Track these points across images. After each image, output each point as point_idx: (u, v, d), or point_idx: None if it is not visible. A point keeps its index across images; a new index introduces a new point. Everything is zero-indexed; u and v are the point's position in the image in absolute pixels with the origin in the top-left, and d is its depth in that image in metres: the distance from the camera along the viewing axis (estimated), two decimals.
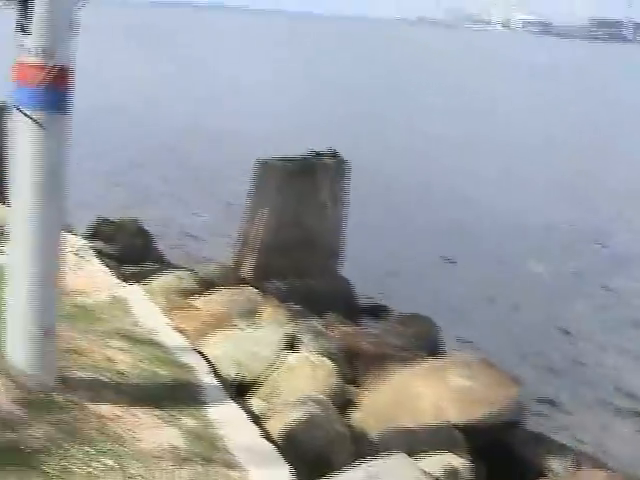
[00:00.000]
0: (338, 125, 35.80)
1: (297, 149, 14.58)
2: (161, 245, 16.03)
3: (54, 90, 4.70)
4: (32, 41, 4.65)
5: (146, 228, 15.69)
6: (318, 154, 13.99)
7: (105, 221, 15.27)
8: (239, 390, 8.34)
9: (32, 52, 4.65)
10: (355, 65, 79.63)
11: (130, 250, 14.43)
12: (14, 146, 4.86)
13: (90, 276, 8.95)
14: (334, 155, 14.07)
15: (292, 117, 38.63)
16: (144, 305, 8.32)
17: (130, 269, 12.86)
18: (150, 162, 26.30)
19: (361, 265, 16.35)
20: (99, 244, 13.32)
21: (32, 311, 4.97)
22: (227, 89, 49.35)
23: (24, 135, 4.78)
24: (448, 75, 74.36)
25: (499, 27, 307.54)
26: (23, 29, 4.66)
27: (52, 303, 5.10)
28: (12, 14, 4.71)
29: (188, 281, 12.11)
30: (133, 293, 8.65)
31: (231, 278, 13.06)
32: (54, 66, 4.63)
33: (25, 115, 4.71)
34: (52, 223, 4.94)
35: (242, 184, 15.37)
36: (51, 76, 4.63)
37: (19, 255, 4.96)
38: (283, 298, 12.17)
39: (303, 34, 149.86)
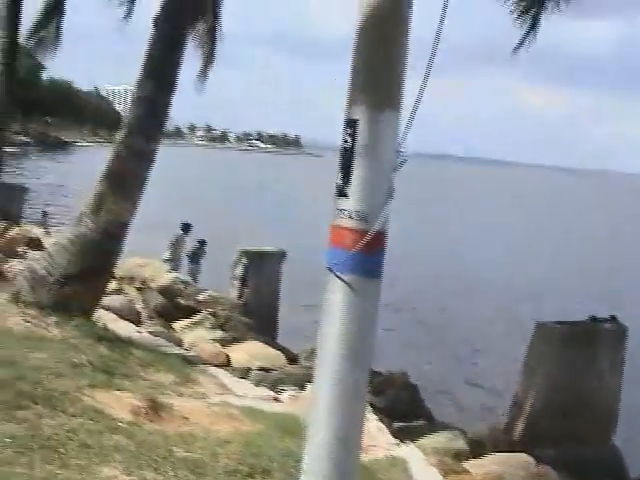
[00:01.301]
0: (610, 285, 34.71)
1: (569, 311, 14.26)
2: (424, 399, 15.88)
3: (369, 254, 4.71)
4: (350, 205, 4.71)
5: (412, 381, 15.65)
6: (598, 319, 13.65)
7: (374, 373, 15.35)
8: None
9: (349, 216, 4.70)
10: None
11: (398, 404, 14.38)
12: (325, 308, 4.89)
13: (368, 432, 8.93)
14: (614, 320, 13.66)
15: (560, 276, 37.87)
16: (423, 468, 8.15)
17: (398, 424, 12.78)
18: (407, 308, 26.51)
19: (632, 434, 15.53)
20: (369, 397, 13.38)
21: (333, 474, 4.88)
22: (496, 241, 49.43)
23: (335, 298, 4.80)
24: None
25: None
26: (342, 193, 4.75)
27: (354, 468, 5.00)
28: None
29: (458, 442, 11.84)
30: (411, 454, 8.52)
31: (502, 441, 12.71)
32: (371, 231, 4.65)
33: (338, 278, 4.74)
34: (358, 387, 4.89)
35: (509, 342, 15.03)
36: (367, 241, 4.65)
37: (322, 417, 4.91)
38: (555, 465, 11.75)
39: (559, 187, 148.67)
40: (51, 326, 10.11)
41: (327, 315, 4.89)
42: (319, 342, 4.95)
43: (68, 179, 72.94)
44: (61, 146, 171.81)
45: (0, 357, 8.19)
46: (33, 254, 20.59)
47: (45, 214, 31.71)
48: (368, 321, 4.86)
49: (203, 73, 17.76)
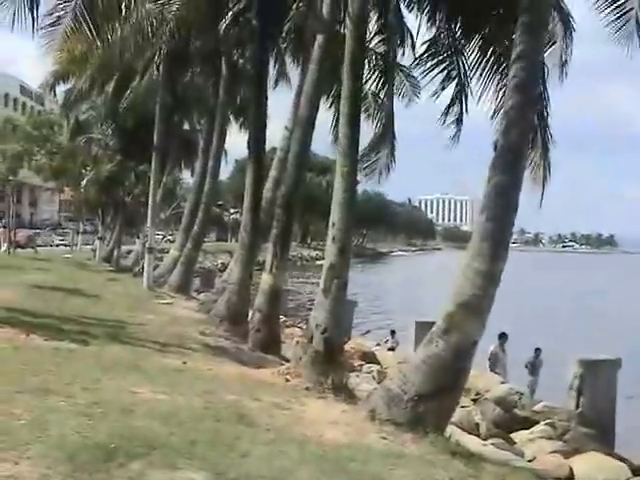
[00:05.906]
0: None
1: None
2: None
3: None
4: None
5: None
6: None
7: None
8: None
9: None
10: None
11: None
12: None
13: None
14: None
15: None
16: None
17: None
18: None
19: None
20: None
21: None
22: None
23: None
24: None
25: None
26: None
27: None
28: None
29: None
30: None
31: None
32: None
33: None
34: None
35: None
36: None
37: None
38: None
39: None
40: (407, 442, 10.57)
41: None
42: None
43: (385, 290, 75.23)
44: (377, 257, 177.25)
45: (367, 473, 8.77)
46: (370, 368, 21.62)
47: (393, 333, 33.16)
48: None
49: (543, 185, 17.53)
